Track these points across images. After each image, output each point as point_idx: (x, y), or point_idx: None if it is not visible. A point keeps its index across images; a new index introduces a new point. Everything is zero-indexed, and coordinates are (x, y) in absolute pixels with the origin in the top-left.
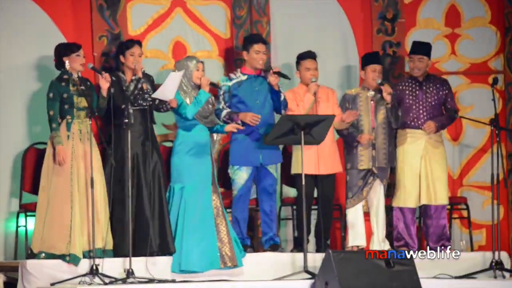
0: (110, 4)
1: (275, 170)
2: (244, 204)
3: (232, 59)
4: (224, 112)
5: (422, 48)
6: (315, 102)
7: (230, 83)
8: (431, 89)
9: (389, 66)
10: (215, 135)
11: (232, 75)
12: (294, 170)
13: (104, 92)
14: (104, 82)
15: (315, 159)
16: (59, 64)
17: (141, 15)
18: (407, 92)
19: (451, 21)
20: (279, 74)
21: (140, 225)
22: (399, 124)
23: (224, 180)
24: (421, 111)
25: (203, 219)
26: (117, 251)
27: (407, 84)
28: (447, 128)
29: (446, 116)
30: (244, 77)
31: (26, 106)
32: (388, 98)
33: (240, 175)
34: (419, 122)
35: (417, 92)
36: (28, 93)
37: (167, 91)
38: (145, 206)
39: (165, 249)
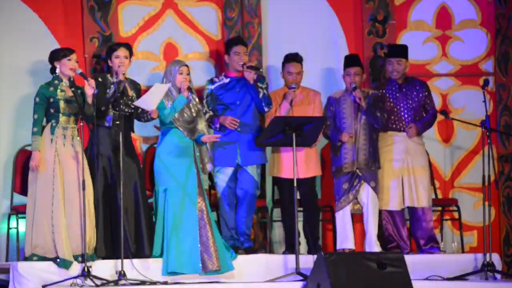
0: (101, 6)
1: (255, 171)
2: (229, 206)
3: (223, 61)
4: (206, 116)
5: (399, 50)
6: (290, 111)
7: (212, 87)
8: (410, 91)
9: (380, 68)
10: (203, 147)
11: (215, 79)
12: (272, 172)
13: (89, 99)
14: (89, 89)
15: (291, 163)
16: (53, 69)
17: (132, 16)
18: (387, 95)
19: (442, 23)
20: (251, 67)
21: (115, 230)
22: (382, 124)
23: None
24: (402, 113)
25: (186, 222)
26: (97, 254)
27: (386, 87)
28: (438, 130)
29: (428, 117)
30: (227, 80)
31: (18, 108)
32: (361, 103)
33: (221, 178)
34: (401, 124)
35: (397, 95)
36: (19, 95)
37: (149, 101)
38: (119, 210)
39: (140, 252)
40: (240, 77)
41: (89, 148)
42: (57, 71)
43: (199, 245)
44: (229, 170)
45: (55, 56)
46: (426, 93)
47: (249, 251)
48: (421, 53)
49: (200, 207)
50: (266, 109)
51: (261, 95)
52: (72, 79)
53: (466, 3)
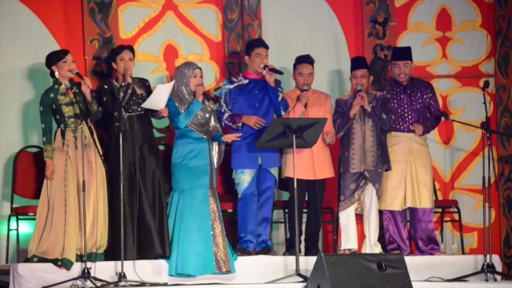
0: (102, 8)
1: (276, 171)
2: (250, 205)
3: (223, 63)
4: (225, 115)
5: (405, 53)
6: (305, 112)
7: (231, 86)
8: (415, 92)
9: (381, 69)
10: (222, 146)
11: (233, 79)
12: (285, 173)
13: (89, 97)
14: (85, 88)
15: (310, 164)
16: (52, 73)
17: (133, 18)
18: (389, 96)
19: (442, 25)
20: (273, 70)
21: (142, 230)
22: (390, 125)
23: (227, 185)
24: (406, 115)
25: (200, 223)
26: (113, 255)
27: (390, 88)
28: (438, 131)
29: (431, 118)
30: (246, 81)
31: (18, 110)
32: (365, 106)
33: (244, 178)
34: (405, 125)
35: (402, 96)
36: (19, 97)
37: (155, 102)
38: (145, 211)
39: (164, 253)
40: (259, 79)
41: (111, 154)
42: (56, 75)
43: (213, 246)
44: (252, 172)
45: (51, 61)
46: (430, 94)
47: (265, 251)
48: (421, 54)
49: (213, 208)
50: (283, 113)
51: (280, 98)
52: (71, 80)
53: (466, 5)
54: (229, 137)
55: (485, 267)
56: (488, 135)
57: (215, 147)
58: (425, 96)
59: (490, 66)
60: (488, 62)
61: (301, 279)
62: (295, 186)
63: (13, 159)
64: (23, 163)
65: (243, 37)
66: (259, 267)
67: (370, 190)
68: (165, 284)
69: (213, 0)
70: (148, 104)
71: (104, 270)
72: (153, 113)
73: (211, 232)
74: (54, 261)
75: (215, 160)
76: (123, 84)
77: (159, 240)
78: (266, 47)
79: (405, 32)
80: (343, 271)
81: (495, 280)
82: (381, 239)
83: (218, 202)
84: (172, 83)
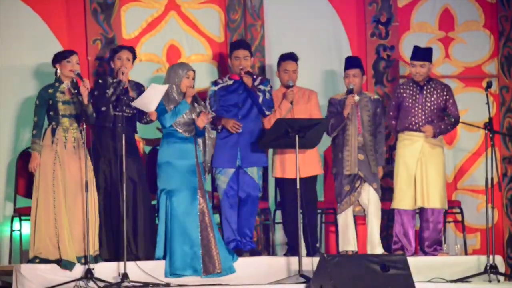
0: (104, 8)
1: (256, 173)
2: (231, 207)
3: (226, 63)
4: (209, 116)
5: (424, 54)
6: (291, 110)
7: (216, 88)
8: (431, 93)
9: (383, 69)
10: (207, 140)
11: (219, 80)
12: (273, 173)
13: (85, 99)
14: (84, 89)
15: (288, 162)
16: (56, 72)
17: (135, 19)
18: (405, 95)
19: (445, 25)
20: (248, 73)
21: (116, 231)
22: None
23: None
24: (420, 115)
25: (187, 225)
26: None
27: (407, 87)
28: None
29: (445, 122)
30: (231, 82)
31: (21, 111)
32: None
33: (222, 179)
34: (418, 125)
35: (417, 95)
36: (22, 97)
37: (147, 102)
38: (119, 212)
39: (146, 254)
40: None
41: (92, 150)
42: (58, 73)
43: (200, 248)
44: (230, 172)
45: (56, 59)
46: (447, 97)
47: (252, 253)
48: None
49: (202, 209)
50: (267, 113)
51: (260, 99)
52: (75, 81)
53: (469, 5)
54: (201, 120)
55: (488, 268)
56: (491, 135)
57: (200, 143)
58: (440, 98)
59: (493, 66)
60: (491, 63)
61: (304, 280)
62: (298, 186)
63: (16, 159)
64: (26, 164)
65: (245, 38)
66: (262, 267)
67: (367, 190)
68: (168, 285)
69: (215, 0)
70: (139, 103)
71: (107, 271)
72: (141, 116)
73: (199, 234)
74: (57, 261)
75: (207, 156)
76: (114, 80)
77: (133, 243)
78: (245, 47)
79: (408, 32)
80: (346, 272)
81: (498, 281)
82: (385, 238)
83: (208, 202)
84: (166, 86)
